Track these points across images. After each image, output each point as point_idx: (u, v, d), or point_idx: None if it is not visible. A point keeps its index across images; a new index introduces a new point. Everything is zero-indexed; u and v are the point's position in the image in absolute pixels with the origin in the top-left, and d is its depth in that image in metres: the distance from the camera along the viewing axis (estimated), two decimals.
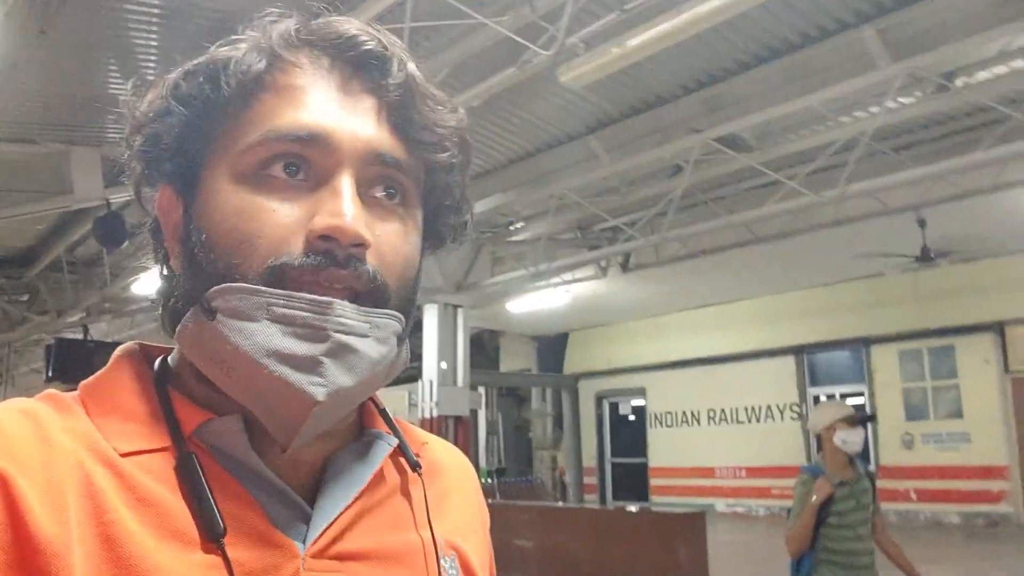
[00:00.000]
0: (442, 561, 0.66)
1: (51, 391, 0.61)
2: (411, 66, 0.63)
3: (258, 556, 0.56)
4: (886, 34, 5.61)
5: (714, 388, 15.01)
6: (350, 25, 0.62)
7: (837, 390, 13.56)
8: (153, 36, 5.77)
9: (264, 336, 0.56)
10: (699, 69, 6.41)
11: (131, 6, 5.22)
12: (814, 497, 3.50)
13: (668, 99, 6.79)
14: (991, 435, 11.51)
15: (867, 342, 13.09)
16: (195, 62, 0.63)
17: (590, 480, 16.86)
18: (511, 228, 10.48)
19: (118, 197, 7.71)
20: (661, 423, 16.04)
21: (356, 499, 0.62)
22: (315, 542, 0.58)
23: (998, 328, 11.84)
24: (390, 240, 0.61)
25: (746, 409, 14.65)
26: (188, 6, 5.17)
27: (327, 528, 0.59)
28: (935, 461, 12.07)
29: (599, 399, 17.21)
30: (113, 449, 0.56)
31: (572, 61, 4.38)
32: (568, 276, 11.88)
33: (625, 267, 11.58)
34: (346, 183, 0.58)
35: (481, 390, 14.76)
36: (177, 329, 0.60)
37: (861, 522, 3.61)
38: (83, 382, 0.63)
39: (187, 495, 0.56)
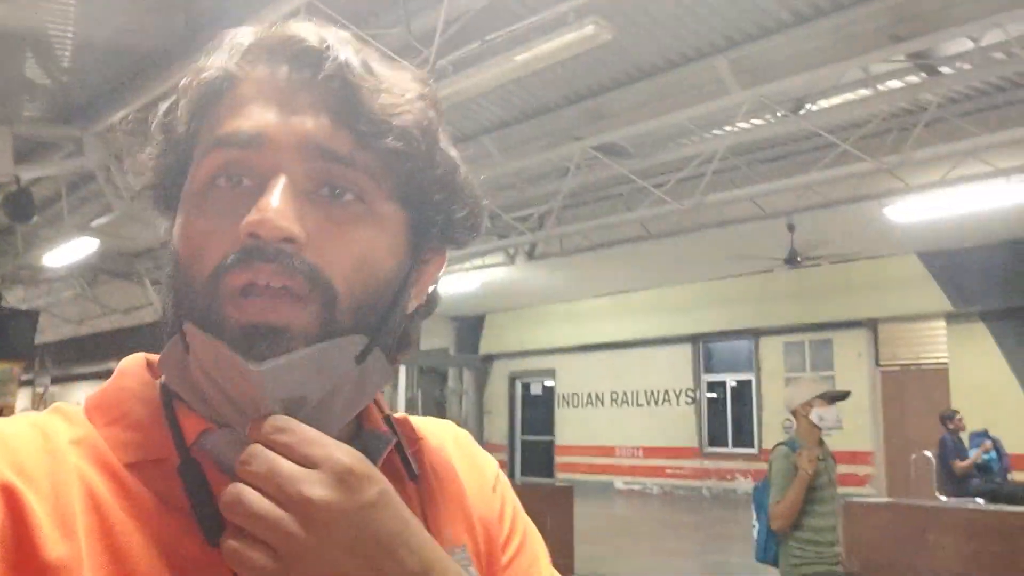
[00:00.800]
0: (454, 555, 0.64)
1: (59, 404, 0.61)
2: (349, 55, 0.60)
3: None
4: (737, 64, 6.30)
5: (617, 371, 15.83)
6: (293, 27, 0.61)
7: (728, 377, 14.50)
8: (69, 26, 6.13)
9: (218, 385, 0.57)
10: (582, 84, 7.02)
11: None
12: (805, 470, 3.44)
13: (554, 108, 7.39)
14: (861, 423, 12.51)
15: (756, 333, 14.03)
16: (170, 100, 0.64)
17: (499, 456, 17.57)
18: None
19: (29, 174, 7.99)
20: (568, 404, 16.82)
21: None
22: None
23: (871, 324, 12.86)
24: (335, 237, 0.57)
25: (645, 392, 15.51)
26: None
27: None
28: None
29: (512, 379, 17.92)
30: (117, 460, 0.57)
31: (441, 81, 4.94)
32: (479, 262, 12.51)
33: (531, 255, 12.25)
34: (278, 180, 0.56)
35: (401, 368, 15.32)
36: (160, 355, 0.62)
37: (831, 498, 3.60)
38: (88, 395, 0.63)
39: (190, 503, 0.56)
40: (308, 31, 0.60)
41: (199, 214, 0.58)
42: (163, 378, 0.62)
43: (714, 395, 14.75)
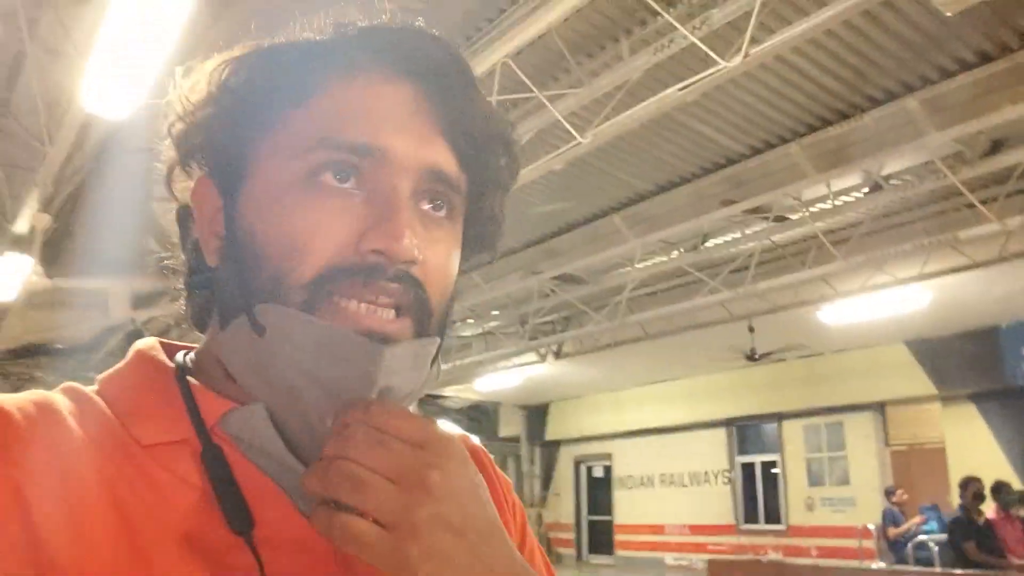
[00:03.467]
0: None
1: (69, 384, 0.60)
2: (473, 82, 0.61)
3: (289, 550, 0.56)
4: (632, 217, 8.24)
5: (664, 455, 17.22)
6: (418, 34, 0.61)
7: (758, 458, 15.66)
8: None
9: (315, 370, 0.55)
10: (538, 230, 9.10)
11: None
12: None
13: (519, 249, 9.49)
14: (872, 500, 13.43)
15: (780, 417, 15.22)
16: (248, 52, 0.62)
17: (566, 535, 19.12)
18: (455, 323, 13.22)
19: (144, 315, 10.76)
20: (624, 485, 18.26)
21: None
22: None
23: (879, 407, 13.87)
24: (437, 257, 0.60)
25: (689, 474, 16.81)
26: None
27: None
28: (829, 522, 14.02)
29: (576, 463, 19.56)
30: (135, 440, 0.56)
31: None
32: (517, 360, 14.54)
33: (558, 355, 14.17)
34: (402, 199, 0.57)
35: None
36: (221, 333, 0.60)
37: None
38: (100, 376, 0.62)
39: (212, 487, 0.55)
40: (428, 41, 0.61)
41: (298, 205, 0.57)
42: (179, 359, 0.62)
43: (746, 475, 15.91)
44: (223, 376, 0.61)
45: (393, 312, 0.58)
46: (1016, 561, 6.87)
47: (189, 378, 0.61)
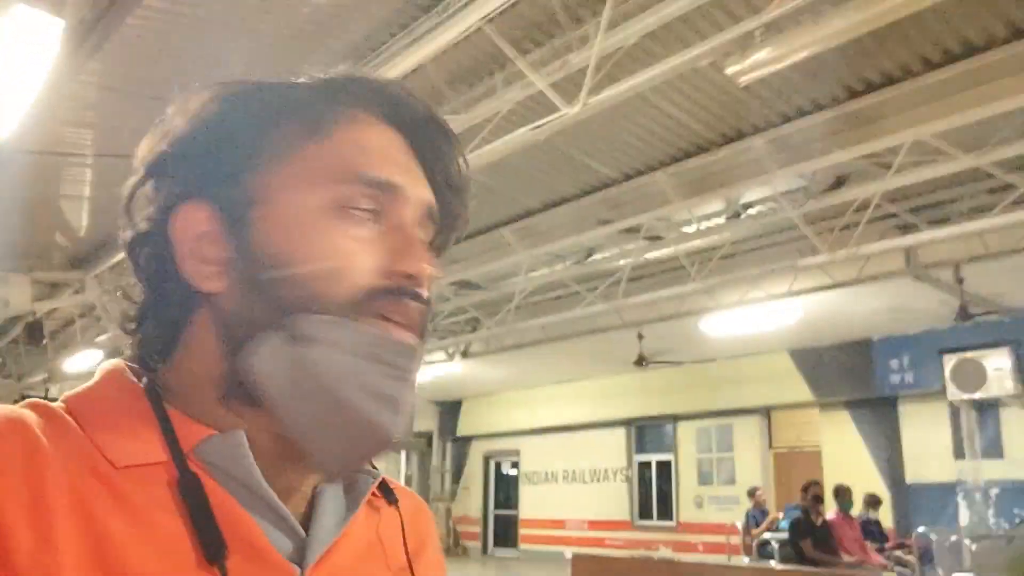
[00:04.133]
0: None
1: (34, 400, 0.59)
2: (449, 136, 0.70)
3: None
4: (523, 231, 8.73)
5: (569, 452, 17.86)
6: (400, 89, 0.68)
7: (654, 457, 16.42)
8: (87, 196, 8.93)
9: (357, 372, 0.58)
10: None
11: None
12: None
13: None
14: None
15: (675, 419, 15.98)
16: (247, 84, 0.66)
17: (474, 529, 19.64)
18: None
19: (44, 307, 10.80)
20: (530, 481, 18.86)
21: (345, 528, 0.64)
22: (314, 568, 0.60)
23: (765, 412, 14.73)
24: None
25: (590, 471, 17.49)
26: None
27: (324, 554, 0.61)
28: (716, 519, 14.83)
29: (486, 459, 20.09)
30: (108, 462, 0.55)
31: None
32: (428, 358, 14.94)
33: (465, 355, 14.64)
34: (416, 232, 0.65)
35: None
36: (246, 354, 0.59)
37: None
38: (68, 394, 0.61)
39: (186, 513, 0.55)
40: (410, 96, 0.68)
41: (331, 233, 0.61)
42: (144, 382, 0.62)
43: (643, 473, 16.66)
44: (200, 400, 0.61)
45: (413, 330, 0.62)
46: (847, 558, 7.61)
47: (165, 403, 0.61)
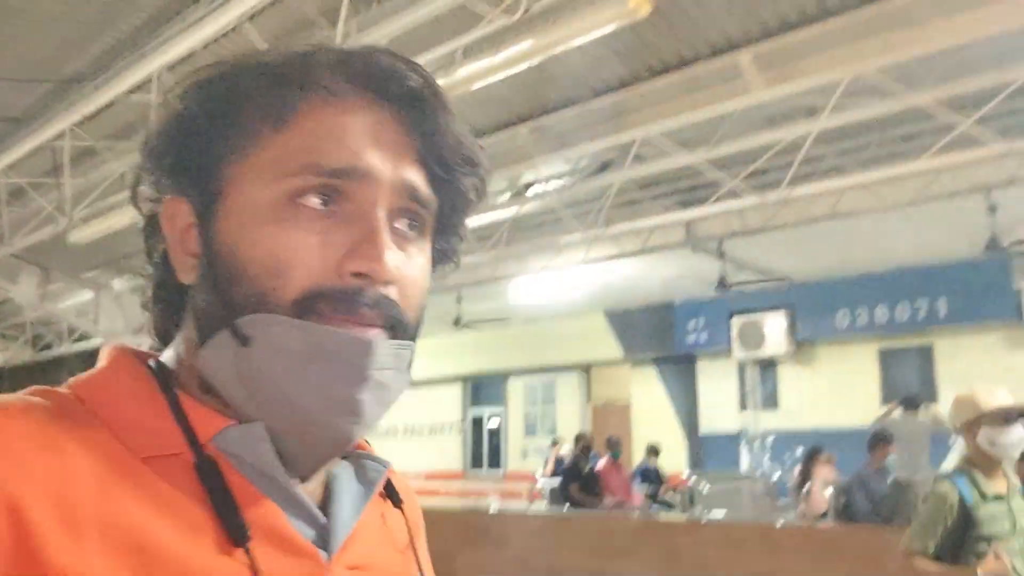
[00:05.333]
0: None
1: (43, 388, 0.59)
2: (445, 105, 0.63)
3: (284, 563, 0.57)
4: None
5: (408, 408, 18.52)
6: (392, 59, 0.62)
7: (486, 411, 17.35)
8: None
9: (305, 374, 0.56)
10: None
11: None
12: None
13: None
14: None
15: (506, 375, 16.92)
16: (219, 73, 0.62)
17: None
18: None
19: None
20: (373, 434, 19.40)
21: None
22: (340, 552, 0.60)
23: (585, 368, 15.83)
24: (412, 274, 0.62)
25: (428, 426, 18.27)
26: None
27: (347, 540, 0.61)
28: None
29: None
30: (130, 451, 0.55)
31: None
32: None
33: None
34: (381, 222, 0.59)
35: None
36: (202, 349, 0.59)
37: (1020, 552, 2.69)
38: (76, 380, 0.60)
39: (209, 500, 0.55)
40: (406, 67, 0.62)
41: (281, 228, 0.58)
42: (155, 368, 0.61)
43: (476, 426, 17.60)
44: (202, 389, 0.61)
45: (371, 328, 0.59)
46: (610, 499, 8.60)
47: (178, 391, 0.60)
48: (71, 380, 0.60)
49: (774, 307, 12.53)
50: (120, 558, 0.51)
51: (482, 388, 17.74)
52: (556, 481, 9.56)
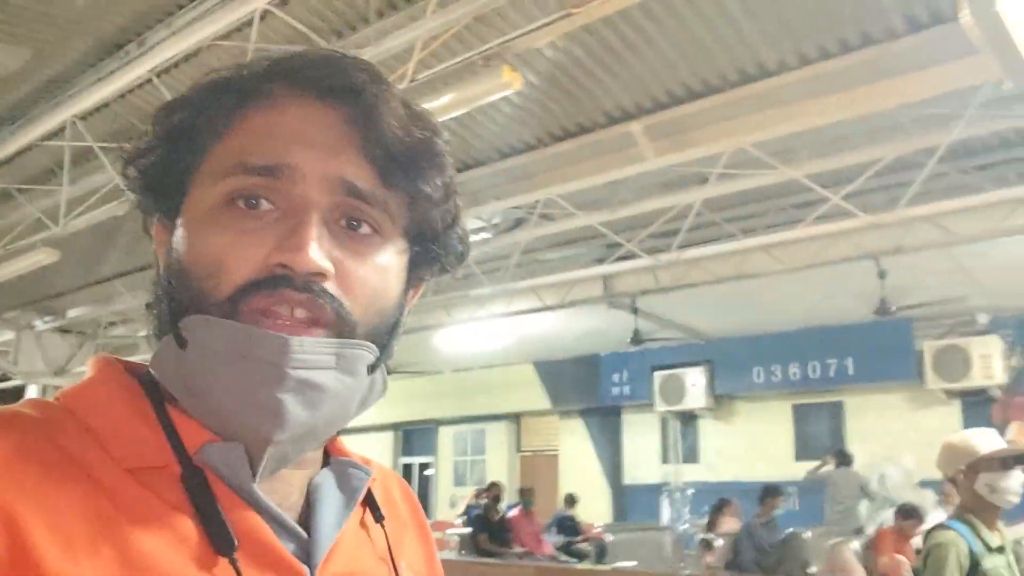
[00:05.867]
0: None
1: (34, 399, 0.60)
2: (383, 93, 0.62)
3: (270, 574, 0.57)
4: None
5: None
6: (334, 57, 0.62)
7: (417, 460, 17.35)
8: None
9: (227, 373, 0.56)
10: None
11: None
12: None
13: None
14: (504, 498, 15.47)
15: (437, 423, 16.98)
16: (177, 98, 0.64)
17: None
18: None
19: None
20: None
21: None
22: (323, 564, 0.61)
23: (515, 418, 15.98)
24: (356, 270, 0.60)
25: None
26: None
27: (329, 552, 0.62)
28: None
29: None
30: (117, 462, 0.56)
31: None
32: None
33: None
34: (309, 215, 0.59)
35: None
36: (152, 355, 0.61)
37: None
38: (64, 391, 0.61)
39: (195, 511, 0.56)
40: (338, 60, 0.62)
41: (215, 230, 0.59)
42: (142, 377, 0.62)
43: (407, 475, 17.54)
44: (192, 388, 0.60)
45: (306, 325, 0.58)
46: (518, 549, 8.73)
47: (167, 404, 0.60)
48: (60, 392, 0.61)
49: (694, 362, 12.89)
50: (110, 569, 0.51)
51: (414, 436, 17.76)
52: (467, 530, 9.65)
